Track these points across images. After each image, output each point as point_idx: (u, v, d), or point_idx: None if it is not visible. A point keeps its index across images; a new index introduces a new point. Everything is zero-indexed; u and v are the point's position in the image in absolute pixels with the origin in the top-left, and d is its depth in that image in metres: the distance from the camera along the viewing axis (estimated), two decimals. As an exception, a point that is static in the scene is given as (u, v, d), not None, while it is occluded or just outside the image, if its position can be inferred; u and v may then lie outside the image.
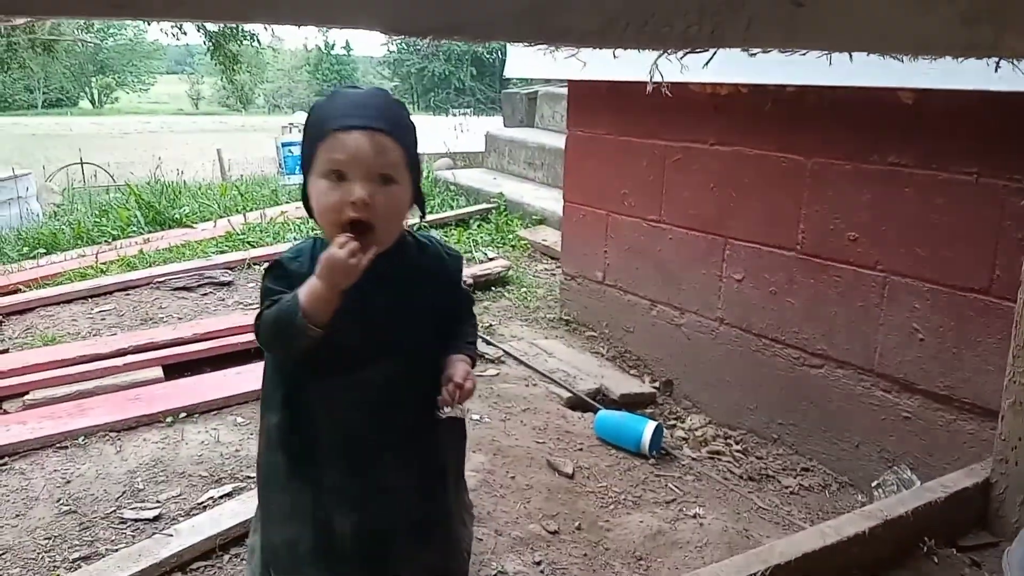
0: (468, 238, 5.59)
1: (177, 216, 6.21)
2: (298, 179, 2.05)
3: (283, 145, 12.97)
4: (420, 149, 1.54)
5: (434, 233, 5.60)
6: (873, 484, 2.72)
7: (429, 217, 5.97)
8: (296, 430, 1.52)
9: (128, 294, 4.37)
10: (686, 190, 3.48)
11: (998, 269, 2.47)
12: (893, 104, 2.65)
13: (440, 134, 8.40)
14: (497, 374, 3.50)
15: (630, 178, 3.77)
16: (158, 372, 3.36)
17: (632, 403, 3.41)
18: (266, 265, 1.53)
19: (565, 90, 4.53)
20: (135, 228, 6.02)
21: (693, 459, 3.01)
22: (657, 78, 1.16)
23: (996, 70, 1.41)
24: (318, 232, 1.51)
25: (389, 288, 1.51)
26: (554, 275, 4.84)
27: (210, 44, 19.70)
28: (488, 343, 3.81)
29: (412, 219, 1.60)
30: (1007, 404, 2.20)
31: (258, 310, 1.47)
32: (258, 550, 1.62)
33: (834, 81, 2.63)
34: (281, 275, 1.48)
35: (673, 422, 3.39)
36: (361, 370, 1.50)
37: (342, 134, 1.39)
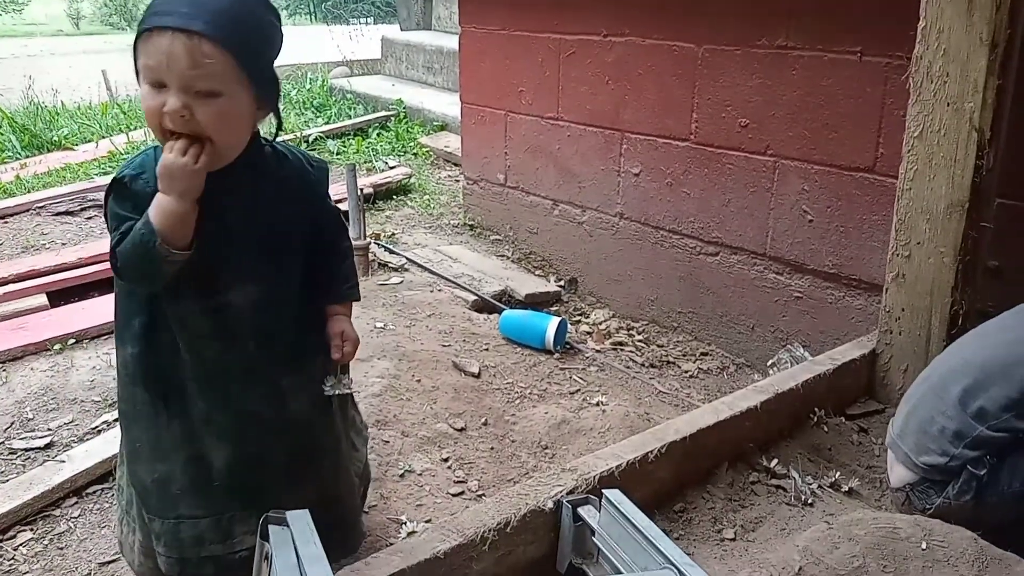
0: (368, 147, 5.44)
1: (56, 139, 5.85)
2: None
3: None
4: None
5: (331, 143, 5.43)
6: (768, 363, 2.81)
7: (325, 127, 5.76)
8: (157, 361, 1.41)
9: (7, 222, 4.13)
10: (582, 85, 3.43)
11: (882, 147, 2.53)
12: (780, -15, 2.64)
13: (336, 42, 8.08)
14: (401, 282, 3.45)
15: (526, 75, 3.69)
16: (42, 299, 3.20)
17: (537, 302, 3.43)
18: (107, 184, 1.38)
19: (457, -13, 4.37)
20: (11, 153, 5.65)
21: (597, 351, 3.06)
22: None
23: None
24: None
25: (244, 205, 1.39)
26: (457, 181, 4.77)
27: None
28: (391, 251, 3.75)
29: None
30: (890, 277, 2.27)
31: (111, 238, 1.34)
32: (125, 487, 1.53)
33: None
34: (125, 196, 1.34)
35: (578, 318, 3.43)
36: (219, 294, 1.39)
37: (155, 35, 1.23)
